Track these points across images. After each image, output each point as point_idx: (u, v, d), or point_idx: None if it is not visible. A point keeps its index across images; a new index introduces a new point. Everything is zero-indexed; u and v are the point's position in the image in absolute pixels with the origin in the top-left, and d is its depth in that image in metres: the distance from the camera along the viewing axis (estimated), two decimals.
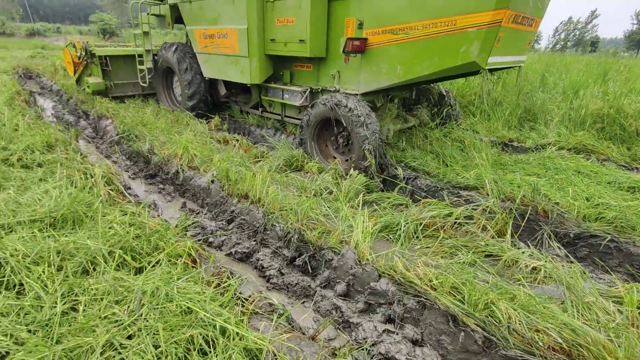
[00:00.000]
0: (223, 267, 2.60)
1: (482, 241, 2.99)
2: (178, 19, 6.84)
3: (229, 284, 2.25)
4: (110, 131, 6.09)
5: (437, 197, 3.96)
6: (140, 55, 7.37)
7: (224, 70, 6.01)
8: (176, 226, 3.14)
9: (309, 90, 5.27)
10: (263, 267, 2.94)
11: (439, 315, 2.22)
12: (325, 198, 3.76)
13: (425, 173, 4.51)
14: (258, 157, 4.95)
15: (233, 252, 3.12)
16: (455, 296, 2.25)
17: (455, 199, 3.70)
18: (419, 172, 4.57)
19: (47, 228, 2.78)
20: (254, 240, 3.25)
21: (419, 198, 4.02)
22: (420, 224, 3.21)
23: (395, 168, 4.41)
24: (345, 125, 4.39)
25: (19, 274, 2.10)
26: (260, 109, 6.36)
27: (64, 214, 2.82)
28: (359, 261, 2.69)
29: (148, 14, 7.11)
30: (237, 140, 5.60)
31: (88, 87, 7.89)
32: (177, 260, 2.42)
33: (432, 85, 5.64)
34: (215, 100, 7.09)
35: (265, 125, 6.38)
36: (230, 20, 5.45)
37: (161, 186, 4.39)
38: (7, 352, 1.60)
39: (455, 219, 3.26)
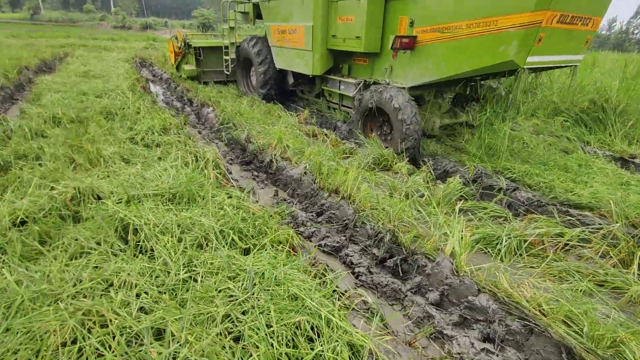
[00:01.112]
0: (319, 259, 2.68)
1: (601, 269, 2.65)
2: (259, 15, 7.82)
3: (327, 277, 2.31)
4: (211, 119, 6.65)
5: (540, 212, 3.61)
6: (226, 47, 8.52)
7: (292, 62, 6.77)
8: (277, 214, 3.32)
9: (362, 82, 5.74)
10: (352, 264, 2.97)
11: (549, 345, 2.02)
12: (416, 201, 3.66)
13: (525, 185, 4.14)
14: (346, 153, 5.00)
15: (323, 245, 3.21)
16: (570, 327, 2.03)
17: (567, 217, 3.33)
18: (519, 183, 4.20)
19: (166, 202, 3.14)
20: (344, 236, 3.30)
21: (519, 211, 3.70)
22: (525, 240, 2.96)
23: (498, 178, 4.12)
24: (388, 114, 4.84)
25: (150, 240, 2.40)
26: (321, 98, 7.12)
27: (181, 191, 3.15)
28: (456, 271, 2.57)
29: (235, 11, 8.24)
30: (326, 134, 5.71)
31: (183, 72, 9.43)
32: (279, 246, 2.56)
33: (490, 81, 5.71)
34: (284, 89, 7.91)
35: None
36: (299, 18, 6.16)
37: (255, 173, 4.67)
38: (147, 308, 1.85)
39: (568, 240, 2.93)
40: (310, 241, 3.34)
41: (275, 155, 4.61)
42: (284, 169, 4.37)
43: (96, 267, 2.23)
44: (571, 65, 4.62)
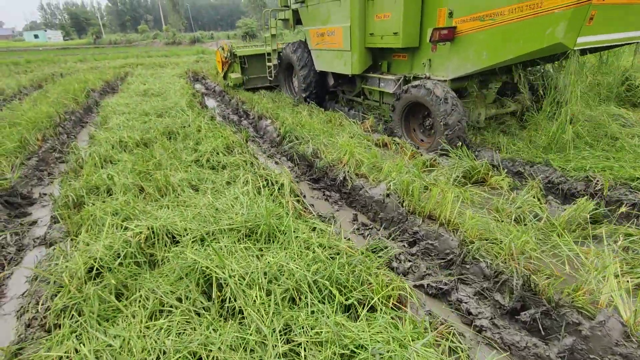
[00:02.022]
0: (436, 313, 2.15)
1: None
2: (298, 21, 8.02)
3: (462, 351, 1.78)
4: (270, 131, 6.36)
5: None
6: (269, 54, 8.84)
7: (331, 63, 6.90)
8: (371, 253, 2.84)
9: (402, 78, 5.72)
10: (469, 313, 2.41)
11: None
12: (533, 225, 3.00)
13: None
14: (427, 166, 4.40)
15: (425, 285, 2.67)
16: None
17: None
18: None
19: (244, 239, 2.79)
20: (450, 274, 2.74)
21: None
22: None
23: (629, 190, 3.32)
24: (428, 108, 4.76)
25: (237, 297, 2.03)
26: (361, 97, 7.09)
27: (260, 226, 2.78)
28: (629, 335, 1.91)
29: (276, 19, 8.55)
30: (398, 143, 5.15)
31: (230, 81, 9.95)
32: (387, 301, 2.07)
33: (538, 68, 5.45)
34: (325, 90, 8.03)
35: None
36: (337, 19, 6.28)
37: (327, 193, 4.24)
38: None
39: None
40: (406, 278, 2.82)
41: (348, 172, 4.14)
42: (360, 189, 3.88)
43: (180, 333, 1.89)
44: (632, 43, 4.26)
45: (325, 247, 2.51)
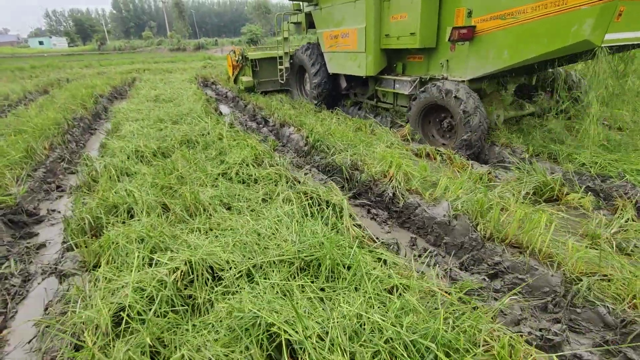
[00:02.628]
0: None
1: None
2: (311, 24, 7.94)
3: None
4: (295, 140, 5.88)
5: None
6: (280, 57, 8.84)
7: (344, 65, 6.85)
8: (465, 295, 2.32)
9: (418, 79, 5.61)
10: None
11: None
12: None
13: None
14: (484, 180, 3.90)
15: (525, 332, 2.16)
16: None
17: None
18: None
19: (298, 273, 2.29)
20: (555, 318, 2.22)
21: None
22: None
23: None
24: (448, 109, 4.74)
25: None
26: (375, 99, 6.96)
27: (318, 258, 2.28)
28: None
29: (288, 22, 8.59)
30: (442, 154, 4.66)
31: (241, 84, 9.90)
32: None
33: (558, 69, 5.31)
34: (337, 93, 7.93)
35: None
36: (352, 21, 6.23)
37: (373, 211, 3.73)
38: None
39: None
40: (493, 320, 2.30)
41: (398, 187, 3.64)
42: (416, 207, 3.38)
43: None
44: None
45: (407, 287, 2.00)
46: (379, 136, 5.40)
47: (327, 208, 2.96)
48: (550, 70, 5.45)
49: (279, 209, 3.03)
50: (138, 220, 2.90)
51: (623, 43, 3.78)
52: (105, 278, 2.17)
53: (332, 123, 5.98)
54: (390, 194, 3.63)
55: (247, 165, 4.10)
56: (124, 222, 2.92)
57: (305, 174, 4.85)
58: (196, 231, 2.82)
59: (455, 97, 4.57)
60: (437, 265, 2.81)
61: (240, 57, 9.98)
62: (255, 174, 3.89)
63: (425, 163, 4.20)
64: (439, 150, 4.72)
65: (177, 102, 8.44)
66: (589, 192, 3.61)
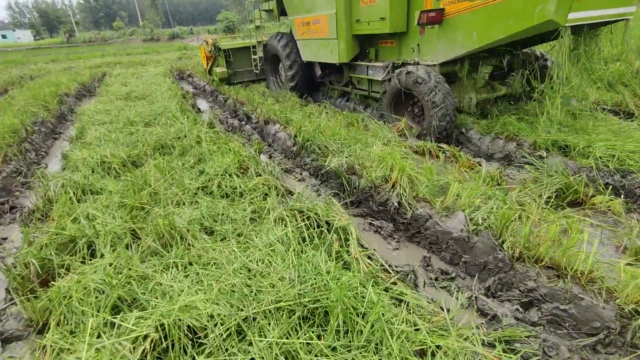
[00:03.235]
0: None
1: None
2: (282, 11, 7.69)
3: None
4: (282, 139, 5.37)
5: None
6: (254, 47, 8.66)
7: (318, 52, 6.67)
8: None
9: (391, 64, 5.50)
10: None
11: None
12: None
13: None
14: (495, 181, 3.51)
15: None
16: None
17: None
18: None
19: (300, 324, 1.85)
20: None
21: None
22: None
23: None
24: (415, 94, 4.75)
25: None
26: (350, 87, 6.79)
27: (325, 304, 1.84)
28: None
29: (260, 10, 8.25)
30: (445, 151, 4.25)
31: (216, 75, 9.47)
32: None
33: (529, 50, 5.34)
34: (313, 81, 7.75)
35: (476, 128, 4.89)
36: (322, 7, 6.06)
37: (376, 223, 3.31)
38: None
39: None
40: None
41: (403, 195, 3.22)
42: (426, 219, 2.96)
43: None
44: (622, 20, 4.13)
45: (449, 350, 1.59)
46: (373, 132, 4.94)
47: (328, 232, 2.50)
48: (523, 51, 5.37)
49: (270, 233, 2.57)
50: (100, 257, 2.39)
51: (585, 22, 3.78)
52: (53, 350, 1.68)
53: (321, 119, 5.49)
54: (396, 204, 3.21)
55: (230, 175, 3.59)
56: (83, 261, 2.41)
57: (298, 180, 4.40)
58: (172, 267, 2.34)
59: (420, 82, 4.55)
60: (460, 291, 2.42)
61: (213, 48, 9.52)
62: (240, 186, 3.40)
63: (430, 164, 3.78)
64: (441, 147, 4.32)
65: (151, 99, 7.77)
66: (615, 193, 3.27)
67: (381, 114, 5.62)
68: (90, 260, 2.42)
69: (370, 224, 3.35)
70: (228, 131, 6.21)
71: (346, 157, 4.00)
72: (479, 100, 5.16)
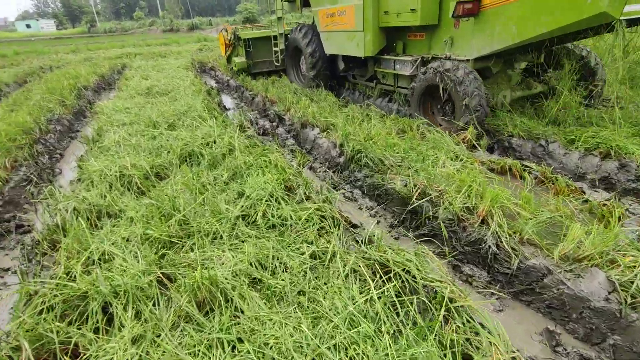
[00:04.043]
0: None
1: None
2: (306, 2, 7.37)
3: None
4: (324, 147, 4.66)
5: None
6: (275, 38, 8.37)
7: (342, 45, 6.32)
8: None
9: (420, 59, 5.21)
10: None
11: None
12: None
13: None
14: (614, 217, 2.73)
15: None
16: None
17: None
18: None
19: None
20: None
21: None
22: None
23: None
24: (446, 89, 4.37)
25: None
26: (374, 81, 6.43)
27: None
28: None
29: (282, 0, 7.92)
30: (531, 171, 3.47)
31: (235, 65, 9.36)
32: None
33: (570, 45, 4.94)
34: (335, 75, 7.39)
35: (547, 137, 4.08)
36: None
37: (466, 270, 2.58)
38: None
39: None
40: None
41: (501, 233, 2.48)
42: (544, 275, 2.23)
43: None
44: None
45: None
46: (433, 142, 4.20)
47: (433, 307, 1.78)
48: (563, 46, 5.02)
49: (342, 293, 1.88)
50: (119, 327, 1.75)
51: None
52: None
53: (369, 124, 4.75)
54: (494, 247, 2.47)
55: (276, 199, 2.92)
56: (96, 331, 1.78)
57: (349, 197, 3.70)
58: (215, 347, 1.68)
59: (453, 78, 4.23)
60: None
61: (233, 37, 9.35)
62: (289, 215, 2.72)
63: (522, 189, 3.02)
64: (526, 167, 3.54)
65: (173, 96, 7.16)
66: None
67: (409, 114, 5.26)
68: (106, 330, 1.78)
69: (455, 267, 2.63)
70: (260, 134, 5.55)
71: (411, 176, 3.28)
72: (514, 97, 4.88)
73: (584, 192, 3.12)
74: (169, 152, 4.11)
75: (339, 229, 2.60)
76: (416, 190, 3.10)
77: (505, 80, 5.01)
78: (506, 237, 2.47)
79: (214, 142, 4.40)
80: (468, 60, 4.55)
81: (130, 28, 56.17)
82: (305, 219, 2.67)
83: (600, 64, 5.01)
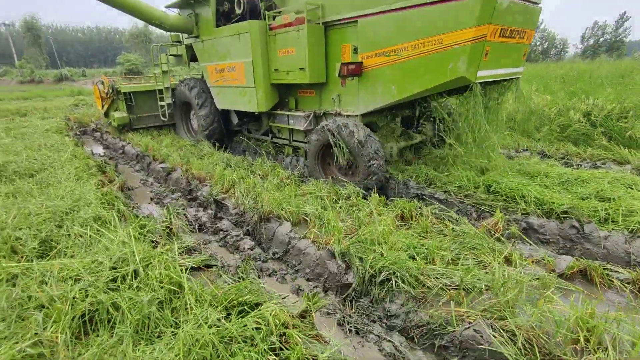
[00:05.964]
0: None
1: None
2: (193, 57, 7.40)
3: None
4: (310, 254, 3.22)
5: None
6: (160, 92, 7.98)
7: (234, 100, 6.36)
8: None
9: (312, 114, 5.40)
10: None
11: None
12: None
13: None
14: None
15: None
16: None
17: None
18: None
19: None
20: None
21: None
22: None
23: None
24: (347, 147, 4.45)
25: None
26: (270, 135, 6.52)
27: None
28: None
29: (167, 54, 7.75)
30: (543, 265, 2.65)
31: (114, 120, 8.62)
32: None
33: (436, 99, 5.36)
34: (229, 130, 7.33)
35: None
36: (237, 54, 5.81)
37: None
38: None
39: None
40: None
41: None
42: None
43: None
44: (514, 78, 4.67)
45: None
46: (450, 234, 3.17)
47: None
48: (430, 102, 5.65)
49: None
50: None
51: (494, 79, 4.15)
52: None
53: (375, 218, 3.50)
54: None
55: None
56: None
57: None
58: None
59: (355, 138, 4.34)
60: None
61: (110, 90, 8.62)
62: None
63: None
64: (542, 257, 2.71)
65: (44, 179, 4.88)
66: None
67: (306, 165, 5.31)
68: None
69: None
70: (196, 231, 3.82)
71: (488, 317, 2.10)
72: (399, 148, 5.20)
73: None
74: (48, 316, 2.16)
75: None
76: (523, 344, 1.91)
77: (390, 132, 5.31)
78: None
79: (135, 273, 2.59)
80: (357, 115, 4.78)
81: None
82: None
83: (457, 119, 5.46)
